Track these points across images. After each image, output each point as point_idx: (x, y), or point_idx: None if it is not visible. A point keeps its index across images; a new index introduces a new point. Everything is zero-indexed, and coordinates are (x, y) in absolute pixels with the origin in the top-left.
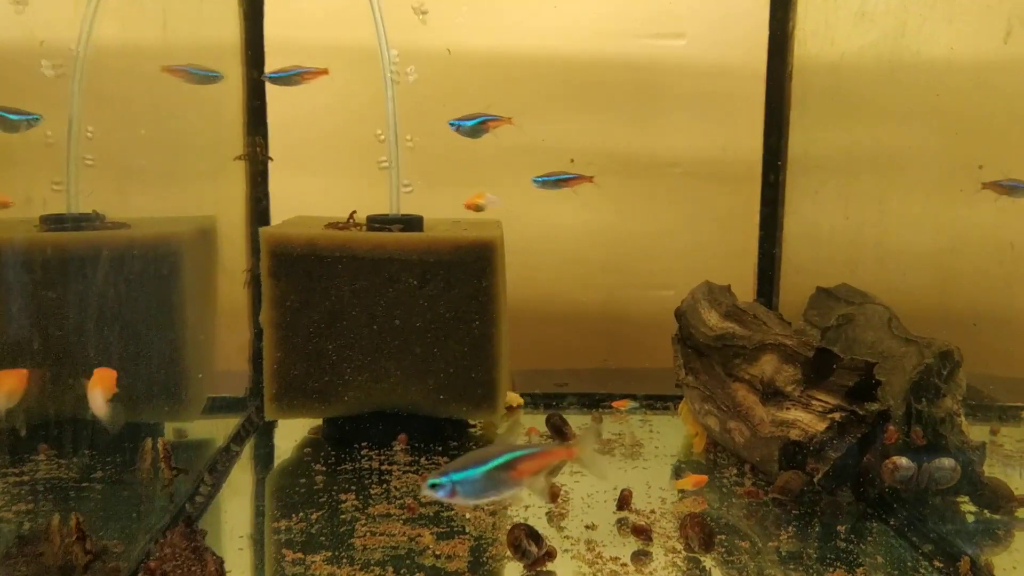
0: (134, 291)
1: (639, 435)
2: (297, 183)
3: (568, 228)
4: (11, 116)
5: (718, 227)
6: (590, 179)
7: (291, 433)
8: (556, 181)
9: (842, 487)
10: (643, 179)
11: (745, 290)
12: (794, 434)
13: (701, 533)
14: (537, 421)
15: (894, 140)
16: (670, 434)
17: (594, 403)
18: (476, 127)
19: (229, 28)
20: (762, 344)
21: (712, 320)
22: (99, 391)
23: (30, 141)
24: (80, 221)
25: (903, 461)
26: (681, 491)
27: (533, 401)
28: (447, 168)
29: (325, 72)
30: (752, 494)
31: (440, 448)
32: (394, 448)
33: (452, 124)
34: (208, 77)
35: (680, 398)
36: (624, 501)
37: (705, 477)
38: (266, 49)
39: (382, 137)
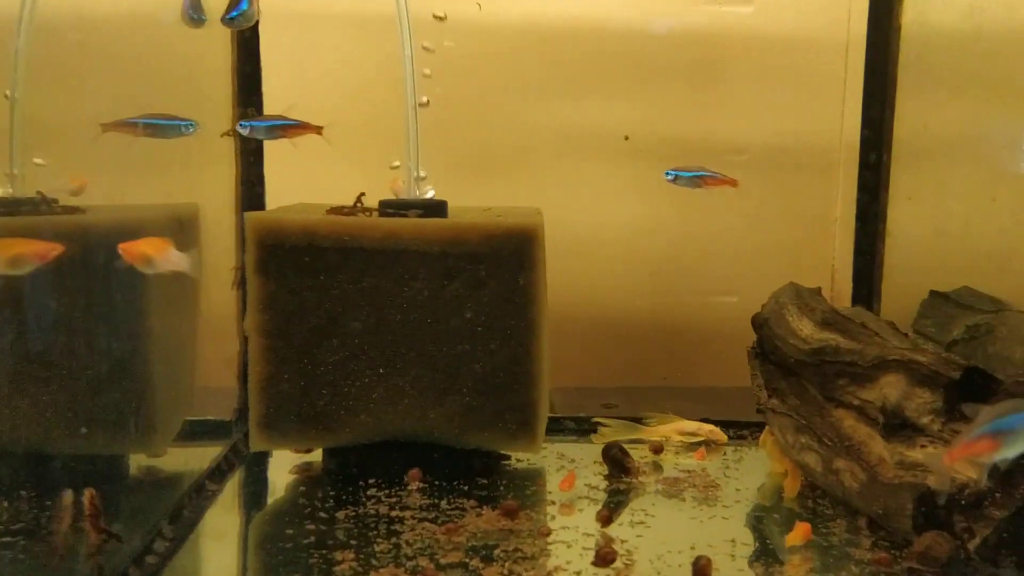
0: (85, 290)
1: (713, 474)
2: (298, 165)
3: (614, 224)
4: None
5: (790, 223)
6: (733, 182)
7: (288, 465)
8: (691, 178)
9: (1008, 558)
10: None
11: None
12: (934, 481)
13: None
14: (583, 450)
15: None
16: (751, 472)
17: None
18: None
19: None
20: (882, 360)
21: (805, 330)
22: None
23: None
24: (18, 205)
25: None
26: (790, 548)
27: (578, 427)
28: (471, 152)
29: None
30: (881, 561)
31: (465, 487)
32: (408, 487)
33: None
34: (176, 127)
35: (760, 425)
36: (702, 573)
37: (808, 526)
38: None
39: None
